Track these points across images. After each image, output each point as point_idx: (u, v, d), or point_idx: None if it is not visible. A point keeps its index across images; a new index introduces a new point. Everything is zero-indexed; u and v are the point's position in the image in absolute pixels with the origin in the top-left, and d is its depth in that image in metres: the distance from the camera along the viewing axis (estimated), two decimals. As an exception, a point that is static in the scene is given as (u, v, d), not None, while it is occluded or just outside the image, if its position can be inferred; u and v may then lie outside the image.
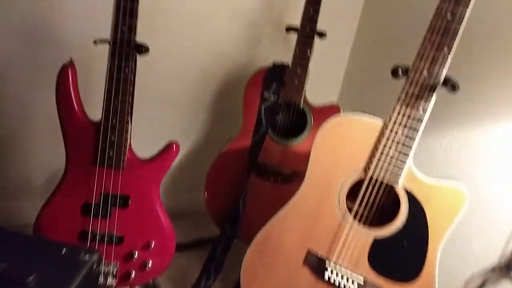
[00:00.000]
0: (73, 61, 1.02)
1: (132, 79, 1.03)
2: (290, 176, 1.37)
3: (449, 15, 0.83)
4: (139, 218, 1.09)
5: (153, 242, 1.11)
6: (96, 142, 1.04)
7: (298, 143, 1.35)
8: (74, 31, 1.29)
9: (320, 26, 1.30)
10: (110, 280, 1.13)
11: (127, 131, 1.04)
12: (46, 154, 1.43)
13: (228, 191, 1.39)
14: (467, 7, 0.82)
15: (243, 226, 1.38)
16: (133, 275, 1.12)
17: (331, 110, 1.35)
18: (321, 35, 1.32)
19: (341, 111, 1.34)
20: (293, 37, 1.32)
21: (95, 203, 1.07)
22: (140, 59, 1.34)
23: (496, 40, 1.17)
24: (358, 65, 1.65)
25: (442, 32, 0.84)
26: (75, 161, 1.06)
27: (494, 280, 1.13)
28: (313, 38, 1.30)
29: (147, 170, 1.08)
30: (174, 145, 1.08)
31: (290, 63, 1.32)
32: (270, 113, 1.34)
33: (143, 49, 1.00)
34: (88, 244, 1.09)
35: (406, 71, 0.88)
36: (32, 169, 1.46)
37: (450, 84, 0.81)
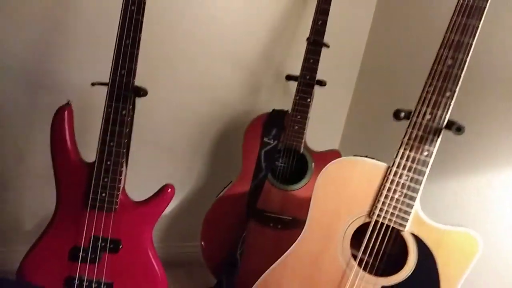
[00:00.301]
0: (70, 103, 1.01)
1: (129, 122, 1.02)
2: (291, 223, 1.31)
3: (449, 61, 0.84)
4: (130, 264, 1.03)
5: (144, 291, 1.04)
6: (88, 184, 1.00)
7: (299, 189, 1.32)
8: (74, 77, 1.30)
9: (321, 73, 1.31)
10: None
11: (121, 174, 1.01)
12: (37, 198, 1.39)
13: (225, 238, 1.33)
14: (468, 54, 0.82)
15: (241, 276, 1.30)
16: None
17: (332, 156, 1.31)
18: (321, 83, 1.33)
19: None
20: (293, 85, 1.33)
21: (84, 247, 1.02)
22: (140, 104, 1.35)
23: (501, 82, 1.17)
24: (360, 111, 1.65)
25: (443, 77, 0.84)
26: (66, 202, 1.02)
27: None
28: (313, 86, 1.31)
29: (140, 213, 1.03)
30: (169, 188, 1.05)
31: (290, 110, 1.32)
32: (270, 158, 1.32)
33: (141, 92, 1.00)
34: (74, 292, 1.02)
35: (408, 115, 0.87)
36: (22, 213, 1.41)
37: (455, 128, 0.80)
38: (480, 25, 0.82)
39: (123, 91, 0.98)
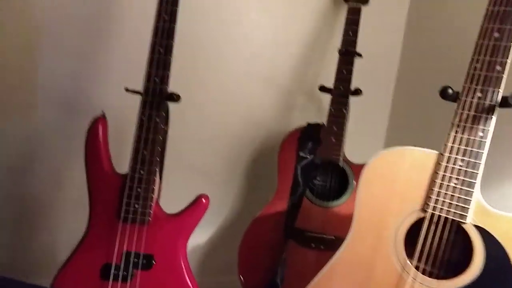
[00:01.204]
0: (104, 114, 1.01)
1: (162, 130, 1.00)
2: (334, 242, 1.21)
3: (496, 34, 0.78)
4: (163, 281, 0.96)
5: (178, 311, 0.96)
6: (121, 195, 0.97)
7: (340, 205, 1.23)
8: (111, 98, 1.32)
9: (357, 83, 1.28)
10: None
11: (154, 183, 0.97)
12: (73, 225, 1.36)
13: (264, 262, 1.24)
14: (515, 22, 0.77)
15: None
16: None
17: (373, 168, 1.24)
18: (357, 93, 1.29)
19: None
20: (327, 98, 1.30)
21: (116, 263, 0.96)
22: (174, 125, 1.35)
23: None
24: (400, 121, 1.57)
25: (491, 51, 0.78)
26: (98, 216, 0.98)
27: None
28: (347, 97, 1.27)
29: (174, 225, 0.98)
30: (203, 198, 1.00)
31: (325, 122, 1.27)
32: (307, 173, 1.25)
33: (174, 96, 0.99)
34: (105, 313, 0.95)
35: (457, 95, 0.80)
36: (59, 242, 1.38)
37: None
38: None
39: (156, 98, 0.98)
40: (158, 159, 0.98)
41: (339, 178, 1.26)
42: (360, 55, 1.28)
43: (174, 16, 0.98)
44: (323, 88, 1.32)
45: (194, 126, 1.42)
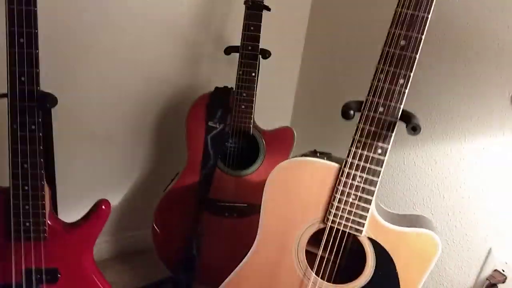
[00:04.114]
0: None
1: (43, 136, 0.86)
2: (247, 209, 1.24)
3: (402, 41, 0.72)
4: (73, 292, 0.94)
5: (94, 315, 0.96)
6: (8, 212, 0.87)
7: (252, 173, 1.22)
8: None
9: (264, 44, 1.17)
10: None
11: (43, 198, 0.87)
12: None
13: (179, 235, 1.25)
14: (423, 33, 0.70)
15: (200, 267, 1.25)
16: None
17: (284, 134, 1.23)
18: (265, 54, 1.19)
19: (294, 133, 1.22)
20: (236, 58, 1.18)
21: (16, 283, 0.91)
22: (71, 93, 1.18)
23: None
24: (309, 84, 1.53)
25: (396, 61, 0.72)
26: (-15, 239, 0.88)
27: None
28: (256, 58, 1.16)
29: (74, 238, 0.92)
30: (103, 205, 0.93)
31: (234, 87, 1.18)
32: (218, 143, 1.20)
33: (50, 99, 0.83)
34: (16, 329, 0.93)
35: (359, 106, 0.76)
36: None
37: (410, 127, 0.70)
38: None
39: (28, 103, 0.82)
40: (43, 172, 0.87)
41: (250, 146, 1.23)
42: (268, 8, 1.15)
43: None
44: (230, 49, 1.20)
45: (91, 91, 1.25)
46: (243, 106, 1.19)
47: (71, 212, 1.02)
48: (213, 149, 1.20)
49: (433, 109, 1.10)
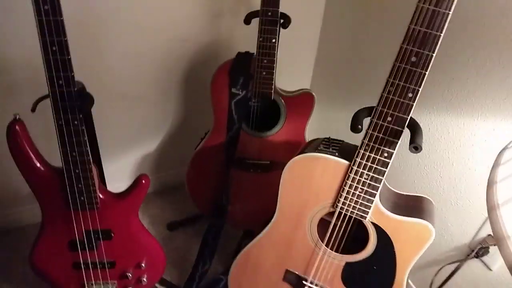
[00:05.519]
0: (18, 117, 0.95)
1: (85, 128, 0.97)
2: (269, 166, 1.36)
3: (413, 58, 0.73)
4: (125, 245, 1.14)
5: (143, 261, 1.18)
6: (64, 188, 1.03)
7: (273, 134, 1.31)
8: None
9: (284, 10, 1.15)
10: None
11: (92, 178, 1.02)
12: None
13: (210, 186, 1.41)
14: (434, 51, 0.71)
15: (230, 213, 1.43)
16: (132, 289, 1.22)
17: (304, 97, 1.27)
18: (285, 20, 1.17)
19: (315, 98, 1.26)
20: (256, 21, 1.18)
21: (79, 239, 1.11)
22: (99, 62, 1.25)
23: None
24: (329, 49, 1.49)
25: (406, 76, 0.75)
26: (49, 209, 1.07)
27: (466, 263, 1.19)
28: (276, 24, 1.16)
29: (122, 207, 1.09)
30: (143, 179, 1.07)
31: (255, 53, 1.21)
32: (241, 108, 1.28)
33: (88, 99, 0.92)
34: (84, 271, 1.17)
35: (369, 113, 0.81)
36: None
37: (412, 146, 0.76)
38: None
39: (68, 102, 0.92)
40: (90, 157, 1.00)
41: (272, 110, 1.30)
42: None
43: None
44: (249, 16, 1.19)
45: (117, 56, 1.31)
46: (264, 73, 1.22)
47: (114, 163, 1.15)
48: (237, 114, 1.28)
49: (452, 83, 1.11)
